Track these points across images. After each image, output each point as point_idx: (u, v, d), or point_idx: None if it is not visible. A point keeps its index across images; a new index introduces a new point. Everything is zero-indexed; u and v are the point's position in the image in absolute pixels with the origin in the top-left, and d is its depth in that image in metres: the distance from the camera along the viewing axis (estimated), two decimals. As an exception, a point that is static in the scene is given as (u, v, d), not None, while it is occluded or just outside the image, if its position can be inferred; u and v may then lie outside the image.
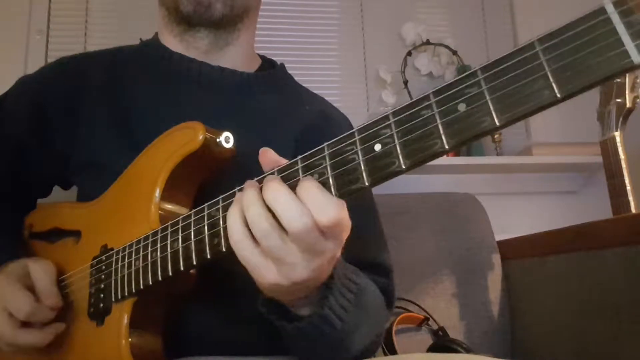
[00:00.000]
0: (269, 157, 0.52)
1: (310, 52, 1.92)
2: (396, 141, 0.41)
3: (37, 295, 0.68)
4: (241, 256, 0.48)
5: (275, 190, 0.46)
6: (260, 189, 0.48)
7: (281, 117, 0.83)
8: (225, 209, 0.51)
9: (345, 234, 0.48)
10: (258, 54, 0.95)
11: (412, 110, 0.41)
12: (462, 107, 0.37)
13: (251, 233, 0.47)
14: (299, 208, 0.45)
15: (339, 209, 0.45)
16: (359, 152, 0.43)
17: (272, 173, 0.50)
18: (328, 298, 0.56)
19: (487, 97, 0.36)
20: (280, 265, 0.47)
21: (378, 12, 1.97)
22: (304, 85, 0.97)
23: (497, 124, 0.36)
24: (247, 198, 0.48)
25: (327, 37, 1.95)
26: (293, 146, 0.79)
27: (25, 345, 0.67)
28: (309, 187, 0.45)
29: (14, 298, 0.67)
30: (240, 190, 0.51)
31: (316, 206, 0.45)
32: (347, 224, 0.47)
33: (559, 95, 0.33)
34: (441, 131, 0.38)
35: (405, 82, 1.86)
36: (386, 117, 0.42)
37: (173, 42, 0.85)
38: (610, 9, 0.31)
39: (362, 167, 0.43)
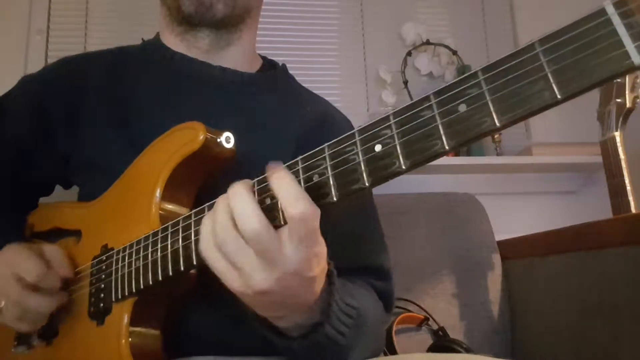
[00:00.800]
0: None
1: (310, 52, 1.92)
2: (396, 142, 0.41)
3: (51, 266, 0.70)
4: (208, 263, 0.50)
5: (235, 194, 0.47)
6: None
7: (282, 118, 0.83)
8: None
9: (312, 247, 0.47)
10: (259, 55, 0.95)
11: (412, 111, 0.41)
12: (462, 108, 0.37)
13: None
14: (253, 209, 0.46)
15: (310, 206, 0.45)
16: (360, 153, 0.43)
17: (274, 168, 0.49)
18: (324, 325, 0.56)
19: (488, 98, 0.36)
20: (240, 272, 0.48)
21: (378, 12, 1.97)
22: (304, 85, 0.97)
23: (498, 124, 0.36)
24: (217, 204, 0.49)
25: (327, 37, 1.95)
26: (294, 147, 0.79)
27: (30, 307, 0.68)
28: (284, 177, 0.46)
29: (25, 262, 0.67)
30: None
31: (288, 197, 0.45)
32: (315, 230, 0.46)
33: (559, 97, 0.33)
34: (441, 132, 0.38)
35: (405, 82, 1.86)
36: (387, 118, 0.42)
37: (174, 41, 0.85)
38: (610, 10, 0.31)
39: (363, 168, 0.43)
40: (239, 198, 0.47)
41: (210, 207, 0.54)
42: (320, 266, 0.50)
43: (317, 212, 0.45)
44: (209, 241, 0.49)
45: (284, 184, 0.46)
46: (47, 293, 0.69)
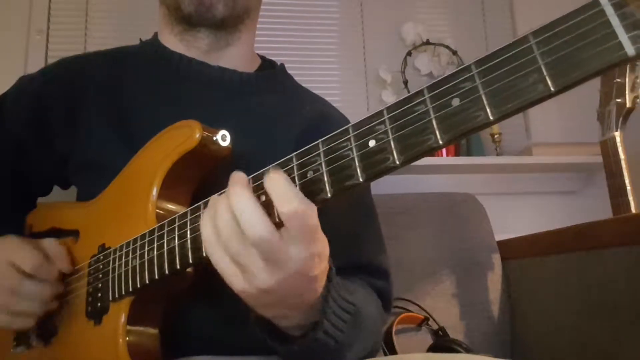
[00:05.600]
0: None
1: (310, 52, 1.92)
2: (390, 137, 0.41)
3: (50, 257, 0.70)
4: (212, 261, 0.49)
5: (238, 195, 0.46)
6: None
7: (281, 118, 0.83)
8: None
9: (314, 245, 0.48)
10: (258, 54, 0.95)
11: (406, 106, 0.40)
12: (455, 102, 0.37)
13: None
14: (258, 214, 0.45)
15: (303, 202, 0.45)
16: (354, 148, 0.43)
17: (267, 170, 0.49)
18: (322, 322, 0.56)
19: (481, 92, 0.36)
20: (243, 272, 0.48)
21: (378, 12, 1.97)
22: (304, 85, 0.97)
23: (491, 118, 0.35)
24: (218, 203, 0.48)
25: (327, 37, 1.95)
26: (292, 146, 0.78)
27: (26, 296, 0.68)
28: (275, 177, 0.46)
29: (22, 252, 0.68)
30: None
31: (279, 194, 0.45)
32: (314, 228, 0.47)
33: (552, 89, 0.33)
34: (435, 126, 0.38)
35: (405, 82, 1.86)
36: (380, 113, 0.42)
37: (173, 41, 0.85)
38: (603, 0, 0.31)
39: (357, 163, 0.43)
40: (242, 201, 0.46)
41: (206, 205, 0.54)
42: (322, 265, 0.51)
43: (312, 208, 0.45)
44: (212, 240, 0.48)
45: (275, 184, 0.46)
46: (42, 281, 0.69)
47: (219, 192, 0.53)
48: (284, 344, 0.57)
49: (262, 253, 0.46)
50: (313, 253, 0.48)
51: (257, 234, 0.45)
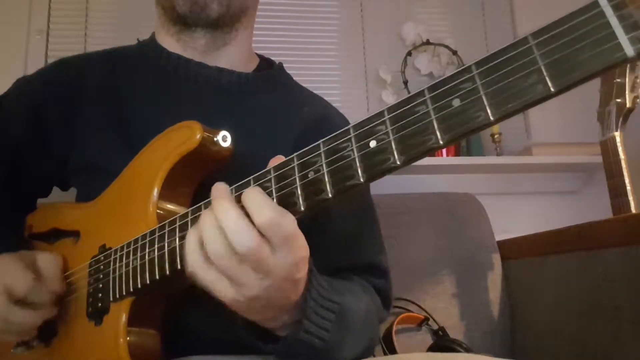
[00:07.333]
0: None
1: (310, 52, 1.92)
2: (391, 137, 0.41)
3: (42, 278, 0.69)
4: (198, 277, 0.50)
5: (223, 210, 0.48)
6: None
7: (280, 117, 0.83)
8: None
9: (297, 251, 0.50)
10: (256, 53, 0.95)
11: (407, 107, 0.41)
12: (456, 103, 0.37)
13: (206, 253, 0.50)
14: (245, 226, 0.47)
15: (277, 212, 0.47)
16: (355, 149, 0.43)
17: (269, 171, 0.50)
18: (302, 322, 0.57)
19: (482, 92, 0.36)
20: (232, 283, 0.49)
21: (378, 12, 1.97)
22: (304, 85, 0.96)
23: (492, 118, 0.36)
24: (203, 219, 0.49)
25: (327, 37, 1.95)
26: (292, 146, 0.79)
27: (15, 322, 0.67)
28: (249, 192, 0.48)
29: (14, 275, 0.67)
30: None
31: (254, 207, 0.47)
32: (293, 235, 0.49)
33: (552, 90, 0.33)
34: (436, 127, 0.38)
35: (405, 82, 1.86)
36: (381, 114, 0.42)
37: (170, 41, 0.85)
38: (603, 2, 0.31)
39: (358, 164, 0.43)
40: (228, 215, 0.47)
41: (207, 206, 0.54)
42: (305, 269, 0.53)
43: (289, 217, 0.47)
44: (197, 257, 0.50)
45: (249, 197, 0.48)
46: (34, 307, 0.68)
47: (204, 202, 0.54)
48: (270, 344, 0.58)
49: (251, 262, 0.47)
50: (296, 259, 0.50)
51: (244, 244, 0.46)
